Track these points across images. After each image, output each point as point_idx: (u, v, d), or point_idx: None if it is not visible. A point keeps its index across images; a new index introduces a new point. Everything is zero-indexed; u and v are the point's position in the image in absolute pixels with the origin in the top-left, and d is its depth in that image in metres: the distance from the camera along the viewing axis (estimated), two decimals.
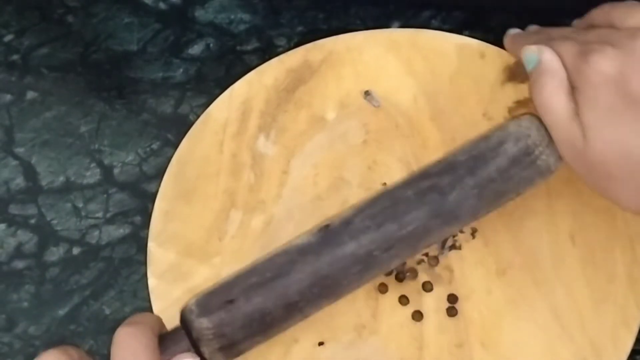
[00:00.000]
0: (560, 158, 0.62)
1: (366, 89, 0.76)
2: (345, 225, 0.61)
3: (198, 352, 0.58)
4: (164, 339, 0.57)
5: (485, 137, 0.63)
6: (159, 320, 0.58)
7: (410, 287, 0.70)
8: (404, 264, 0.70)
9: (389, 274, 0.70)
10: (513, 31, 0.73)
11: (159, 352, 0.54)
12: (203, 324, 0.58)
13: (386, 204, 0.61)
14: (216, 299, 0.59)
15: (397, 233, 0.60)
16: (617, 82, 0.57)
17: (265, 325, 0.59)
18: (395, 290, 0.69)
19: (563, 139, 0.60)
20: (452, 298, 0.69)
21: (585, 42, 0.62)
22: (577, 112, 0.60)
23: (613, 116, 0.57)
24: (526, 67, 0.65)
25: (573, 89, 0.61)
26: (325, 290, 0.60)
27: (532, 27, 0.73)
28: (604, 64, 0.58)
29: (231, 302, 0.59)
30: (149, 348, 0.53)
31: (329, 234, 0.61)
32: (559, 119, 0.60)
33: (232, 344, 0.58)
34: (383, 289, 0.69)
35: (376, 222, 0.60)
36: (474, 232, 0.71)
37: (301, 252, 0.60)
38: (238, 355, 0.60)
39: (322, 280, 0.60)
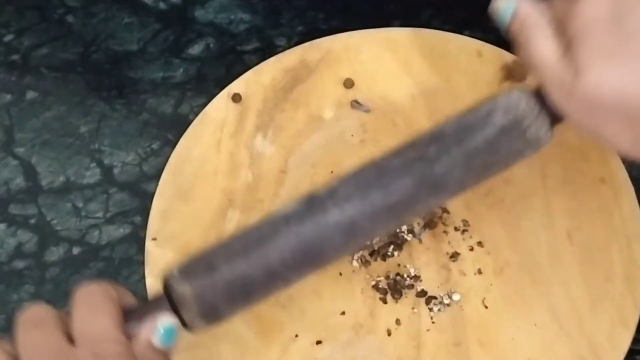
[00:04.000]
0: (550, 130, 0.60)
1: (355, 97, 0.76)
2: (330, 194, 0.60)
3: (179, 317, 0.57)
4: (146, 305, 0.57)
5: (473, 109, 0.61)
6: (126, 292, 0.57)
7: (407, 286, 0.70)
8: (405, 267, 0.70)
9: (387, 277, 0.70)
10: None
11: (121, 316, 0.54)
12: (185, 289, 0.57)
13: (371, 173, 0.60)
14: (198, 264, 0.59)
15: (382, 202, 0.59)
16: (611, 19, 0.55)
17: (247, 291, 0.58)
18: (393, 288, 0.70)
19: (552, 77, 0.57)
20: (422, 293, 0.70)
21: None
22: (566, 52, 0.57)
23: (607, 54, 0.55)
24: (501, 21, 0.61)
25: (561, 34, 0.58)
26: (308, 258, 0.59)
27: None
28: (595, 2, 0.56)
29: (213, 267, 0.58)
30: (109, 307, 0.53)
31: (313, 202, 0.60)
32: (547, 59, 0.57)
33: (213, 309, 0.58)
34: (381, 287, 0.69)
35: (361, 191, 0.59)
36: (466, 226, 0.71)
37: (284, 219, 0.59)
38: (218, 321, 0.59)
39: (304, 247, 0.59)
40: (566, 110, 0.58)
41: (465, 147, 0.59)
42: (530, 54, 0.58)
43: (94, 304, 0.53)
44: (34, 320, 0.53)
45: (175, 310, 0.57)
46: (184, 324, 0.57)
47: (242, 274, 0.58)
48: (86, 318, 0.52)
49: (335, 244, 0.59)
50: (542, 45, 0.58)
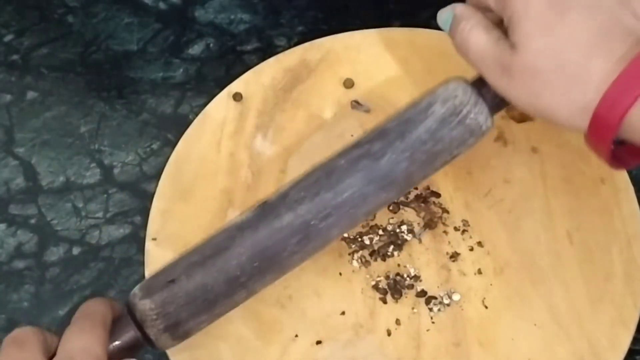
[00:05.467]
0: (490, 116, 0.62)
1: (355, 97, 0.76)
2: (282, 199, 0.61)
3: (145, 336, 0.59)
4: (113, 326, 0.58)
5: (414, 103, 0.63)
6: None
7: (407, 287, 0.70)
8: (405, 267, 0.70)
9: (387, 277, 0.70)
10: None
11: (106, 336, 0.56)
12: (146, 305, 0.59)
13: (320, 175, 0.62)
14: (158, 280, 0.60)
15: (332, 201, 0.61)
16: (546, 1, 0.56)
17: (209, 302, 0.60)
18: (393, 288, 0.70)
19: (490, 60, 0.59)
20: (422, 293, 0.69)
21: None
22: (502, 37, 0.58)
23: (544, 27, 0.56)
24: (444, 29, 0.63)
25: (497, 26, 0.59)
26: (266, 263, 0.61)
27: None
28: None
29: (172, 281, 0.60)
30: (97, 329, 0.56)
31: (266, 209, 0.61)
32: (484, 46, 0.59)
33: (177, 323, 0.59)
34: (381, 287, 0.69)
35: (311, 193, 0.61)
36: (466, 226, 0.71)
37: (239, 228, 0.61)
38: (185, 336, 0.61)
39: (261, 253, 0.60)
40: (504, 89, 0.59)
41: (408, 140, 0.61)
42: (468, 47, 0.60)
43: (83, 325, 0.56)
44: (18, 341, 0.55)
45: (140, 329, 0.59)
46: (151, 342, 0.59)
47: (201, 284, 0.60)
48: (71, 337, 0.55)
49: (291, 247, 0.61)
50: (478, 36, 0.60)
